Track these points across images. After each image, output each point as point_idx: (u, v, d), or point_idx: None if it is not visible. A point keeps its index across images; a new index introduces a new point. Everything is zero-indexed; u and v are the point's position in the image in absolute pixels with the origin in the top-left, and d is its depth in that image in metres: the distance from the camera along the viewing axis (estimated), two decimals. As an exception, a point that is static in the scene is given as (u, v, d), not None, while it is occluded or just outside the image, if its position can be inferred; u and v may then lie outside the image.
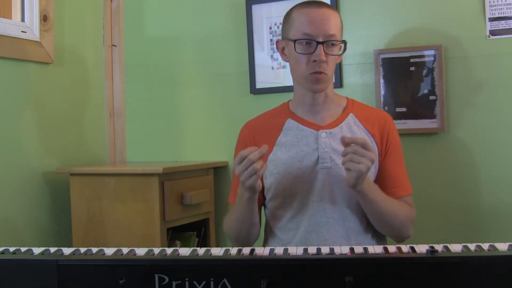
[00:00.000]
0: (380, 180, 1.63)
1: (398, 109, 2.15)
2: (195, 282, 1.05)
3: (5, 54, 2.07)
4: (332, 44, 1.57)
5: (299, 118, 1.67)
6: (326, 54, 1.56)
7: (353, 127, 1.64)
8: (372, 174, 1.61)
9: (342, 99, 1.72)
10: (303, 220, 1.62)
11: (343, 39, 1.63)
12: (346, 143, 1.43)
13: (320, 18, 1.57)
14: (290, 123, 1.68)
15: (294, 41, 1.59)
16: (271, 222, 1.69)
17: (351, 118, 1.66)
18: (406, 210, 1.61)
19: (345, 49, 1.65)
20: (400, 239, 1.61)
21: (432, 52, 2.10)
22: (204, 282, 1.05)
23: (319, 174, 1.60)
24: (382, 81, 2.17)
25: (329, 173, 1.59)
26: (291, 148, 1.64)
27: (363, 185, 1.47)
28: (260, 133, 1.70)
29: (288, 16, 1.64)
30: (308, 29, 1.57)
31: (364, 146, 1.42)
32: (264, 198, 1.70)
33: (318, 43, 1.55)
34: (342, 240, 1.57)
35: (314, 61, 1.56)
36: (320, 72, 1.57)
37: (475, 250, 1.15)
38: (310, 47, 1.57)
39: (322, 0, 1.66)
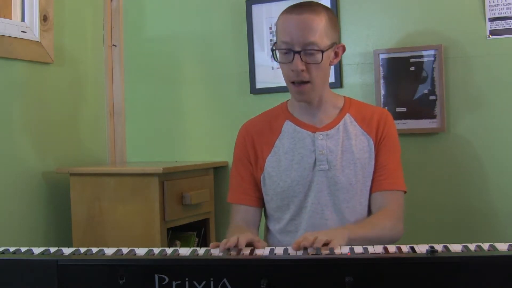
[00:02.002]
0: (373, 171, 1.61)
1: (398, 109, 2.15)
2: (195, 282, 1.05)
3: (5, 54, 2.07)
4: (311, 53, 1.53)
5: (297, 120, 1.66)
6: (306, 63, 1.53)
7: (349, 128, 1.63)
8: (370, 171, 1.62)
9: (339, 98, 1.70)
10: (301, 222, 1.61)
11: (340, 39, 1.61)
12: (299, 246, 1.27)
13: (298, 26, 1.53)
14: (288, 125, 1.67)
15: (275, 50, 1.59)
16: (271, 224, 1.69)
17: (347, 119, 1.65)
18: (387, 220, 1.55)
19: (342, 50, 1.64)
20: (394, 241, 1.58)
21: (432, 52, 2.10)
22: (204, 282, 1.05)
23: (316, 176, 1.60)
24: (382, 81, 2.17)
25: (326, 175, 1.59)
26: (288, 151, 1.63)
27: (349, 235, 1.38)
28: (258, 135, 1.69)
29: (277, 21, 1.62)
30: (285, 38, 1.54)
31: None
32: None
33: (295, 52, 1.53)
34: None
35: (293, 70, 1.54)
36: (301, 83, 1.55)
37: (475, 250, 1.15)
38: (289, 56, 1.54)
39: (314, 0, 1.64)
